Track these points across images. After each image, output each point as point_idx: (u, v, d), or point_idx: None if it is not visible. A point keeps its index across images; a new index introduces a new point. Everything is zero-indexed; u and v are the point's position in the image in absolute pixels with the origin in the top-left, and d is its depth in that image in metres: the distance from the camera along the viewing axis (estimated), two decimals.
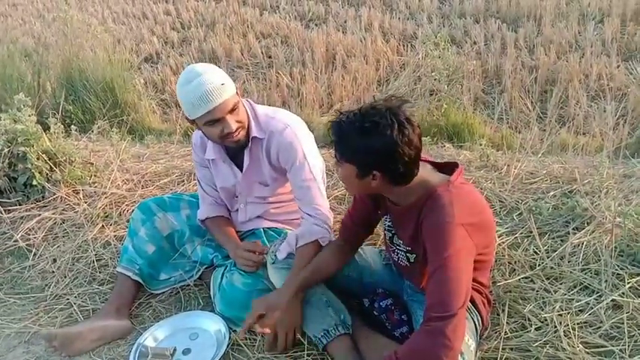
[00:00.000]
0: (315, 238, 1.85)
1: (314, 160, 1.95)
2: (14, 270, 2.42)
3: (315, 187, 1.93)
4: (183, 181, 2.97)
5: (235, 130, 1.81)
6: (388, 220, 1.72)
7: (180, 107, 5.26)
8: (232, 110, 1.80)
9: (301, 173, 1.91)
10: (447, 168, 1.59)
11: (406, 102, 1.49)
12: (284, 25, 6.93)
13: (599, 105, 4.53)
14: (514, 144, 3.47)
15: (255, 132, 1.91)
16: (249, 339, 1.90)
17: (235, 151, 1.99)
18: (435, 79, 4.56)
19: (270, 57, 6.25)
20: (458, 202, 1.45)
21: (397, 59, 5.71)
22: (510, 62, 5.23)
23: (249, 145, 1.93)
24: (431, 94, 4.67)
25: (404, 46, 5.98)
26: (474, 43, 5.81)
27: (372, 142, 1.41)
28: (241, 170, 2.02)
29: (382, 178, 1.47)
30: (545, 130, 3.96)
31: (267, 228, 2.15)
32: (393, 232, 1.72)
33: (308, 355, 1.77)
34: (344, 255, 1.84)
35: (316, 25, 6.99)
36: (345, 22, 6.87)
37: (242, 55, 6.34)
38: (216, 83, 1.75)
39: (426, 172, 1.53)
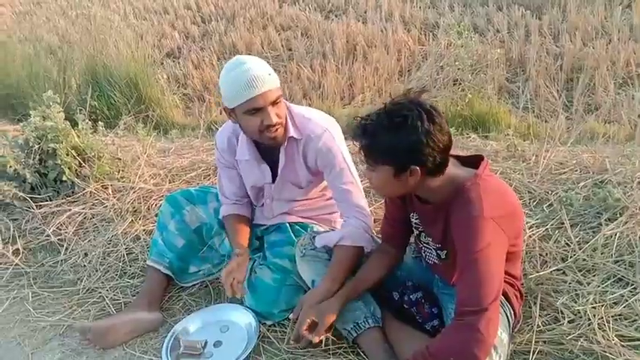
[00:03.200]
0: (361, 245, 1.84)
1: (351, 161, 1.94)
2: (47, 264, 2.47)
3: (357, 189, 1.92)
4: (209, 175, 3.00)
5: (275, 124, 1.79)
6: (415, 217, 1.71)
7: (203, 101, 5.30)
8: (275, 103, 1.78)
9: (342, 177, 1.90)
10: (472, 161, 1.57)
11: (424, 91, 1.48)
12: (304, 16, 6.90)
13: (627, 92, 4.43)
14: (541, 133, 3.42)
15: (292, 132, 1.88)
16: (279, 332, 1.91)
17: (268, 151, 1.96)
18: (458, 69, 4.50)
19: (290, 49, 6.23)
20: (486, 196, 1.43)
21: (419, 49, 5.64)
22: (535, 50, 5.12)
23: (285, 144, 1.91)
24: (454, 84, 4.61)
25: (425, 35, 5.91)
26: (497, 31, 5.71)
27: (407, 137, 1.39)
28: (274, 170, 2.00)
29: (420, 171, 1.44)
30: (571, 119, 3.89)
31: (294, 222, 2.15)
32: (420, 229, 1.71)
33: (338, 348, 1.77)
34: (391, 259, 1.83)
35: (336, 16, 6.94)
36: (366, 12, 6.81)
37: (262, 47, 6.33)
38: (264, 72, 1.75)
39: (452, 167, 1.51)
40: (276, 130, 1.81)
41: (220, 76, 1.81)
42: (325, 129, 1.90)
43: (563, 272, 1.95)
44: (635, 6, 5.56)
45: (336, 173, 1.91)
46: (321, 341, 1.72)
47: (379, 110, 1.45)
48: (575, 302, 1.81)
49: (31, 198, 2.76)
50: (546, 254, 2.05)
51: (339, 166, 1.89)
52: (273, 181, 2.03)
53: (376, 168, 1.49)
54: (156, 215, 2.52)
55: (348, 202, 1.91)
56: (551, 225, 2.20)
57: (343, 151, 1.91)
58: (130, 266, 2.36)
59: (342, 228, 1.93)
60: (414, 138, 1.39)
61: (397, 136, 1.40)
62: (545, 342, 1.69)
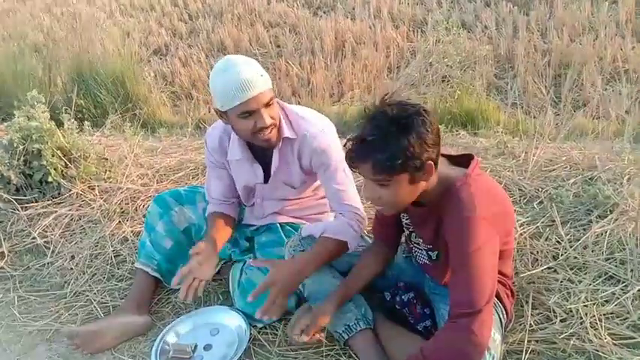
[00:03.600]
0: (345, 239, 1.81)
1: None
2: (33, 267, 2.42)
3: (351, 189, 1.90)
4: (198, 175, 2.96)
5: (269, 126, 1.75)
6: (406, 217, 1.70)
7: (191, 99, 5.25)
8: (268, 104, 1.74)
9: (336, 177, 1.88)
10: (462, 160, 1.55)
11: (395, 93, 1.49)
12: (292, 13, 6.86)
13: (614, 88, 4.46)
14: (530, 129, 3.42)
15: (286, 132, 1.85)
16: (270, 335, 1.89)
17: (260, 150, 1.93)
18: (446, 65, 4.50)
19: (279, 46, 6.20)
20: (477, 195, 1.42)
21: (407, 46, 5.64)
22: (523, 46, 5.15)
23: (279, 145, 1.88)
24: (443, 81, 4.61)
25: (414, 32, 5.90)
26: (485, 27, 5.73)
27: (416, 134, 1.36)
28: (267, 171, 1.97)
29: (433, 165, 1.42)
30: (560, 115, 3.90)
31: (284, 223, 2.13)
32: (411, 229, 1.70)
33: (330, 350, 1.76)
34: (383, 258, 1.81)
35: (325, 12, 6.92)
36: (354, 8, 6.79)
37: (250, 45, 6.29)
38: (255, 73, 1.71)
39: (443, 167, 1.50)
40: (270, 131, 1.78)
41: (210, 78, 1.77)
42: (320, 129, 1.88)
43: (555, 270, 1.95)
44: (621, 2, 5.59)
45: (330, 173, 1.89)
46: (318, 340, 1.71)
47: (374, 124, 1.40)
48: (567, 301, 1.80)
49: (16, 200, 2.70)
50: (537, 252, 2.05)
51: (334, 166, 1.88)
52: (266, 181, 2.01)
53: (392, 180, 1.41)
54: (144, 216, 2.48)
55: (340, 201, 1.90)
56: (542, 222, 2.20)
57: (338, 151, 1.89)
58: (118, 269, 2.33)
59: (332, 221, 1.92)
60: (422, 131, 1.37)
61: (408, 137, 1.36)
62: (537, 341, 1.69)
